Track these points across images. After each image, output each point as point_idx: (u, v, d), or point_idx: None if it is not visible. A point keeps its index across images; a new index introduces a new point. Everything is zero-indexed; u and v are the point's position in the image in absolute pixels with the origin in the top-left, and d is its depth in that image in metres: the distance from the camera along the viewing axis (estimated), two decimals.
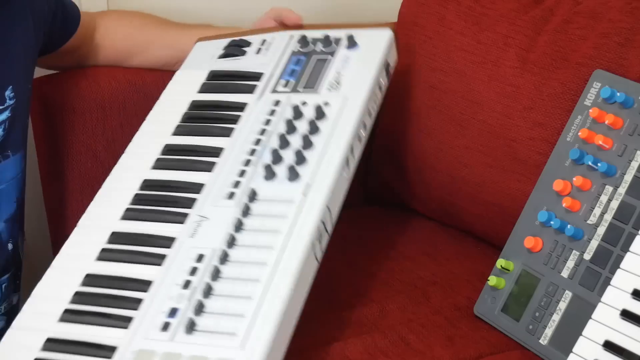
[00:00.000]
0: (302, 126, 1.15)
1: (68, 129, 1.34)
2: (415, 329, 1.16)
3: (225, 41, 1.34)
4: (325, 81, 1.21)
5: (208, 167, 1.15)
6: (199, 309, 0.99)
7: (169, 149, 1.19)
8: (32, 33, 1.20)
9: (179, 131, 1.21)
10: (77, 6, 1.33)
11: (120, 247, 1.09)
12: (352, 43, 1.25)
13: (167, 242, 1.08)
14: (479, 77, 1.30)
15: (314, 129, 1.14)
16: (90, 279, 1.06)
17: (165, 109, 1.25)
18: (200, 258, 1.04)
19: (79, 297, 1.05)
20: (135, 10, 1.46)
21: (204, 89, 1.26)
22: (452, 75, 1.33)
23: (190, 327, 0.98)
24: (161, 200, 1.13)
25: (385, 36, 1.25)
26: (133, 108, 1.37)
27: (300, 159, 1.11)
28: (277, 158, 1.12)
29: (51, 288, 1.07)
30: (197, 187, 1.13)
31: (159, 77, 1.39)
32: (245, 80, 1.25)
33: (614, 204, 1.11)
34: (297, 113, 1.16)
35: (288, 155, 1.12)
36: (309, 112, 1.16)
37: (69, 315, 1.03)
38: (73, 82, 1.36)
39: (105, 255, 1.09)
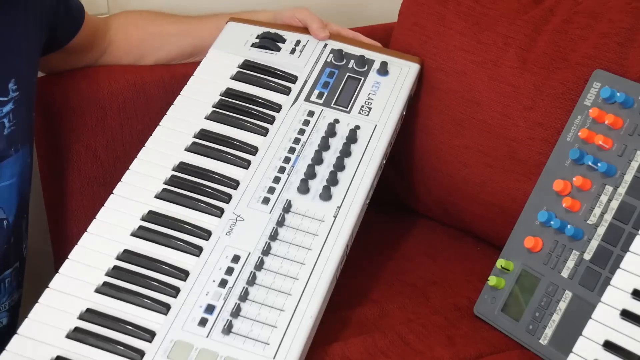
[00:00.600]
0: (335, 145, 1.22)
1: (68, 128, 1.34)
2: (415, 329, 1.16)
3: (259, 29, 1.36)
4: (357, 103, 1.27)
5: (243, 164, 1.19)
6: (236, 312, 1.04)
7: (204, 134, 1.22)
8: (35, 27, 1.20)
9: (214, 117, 1.24)
10: (82, 5, 1.33)
11: (158, 228, 1.12)
12: (384, 70, 1.31)
13: (204, 233, 1.12)
14: (479, 77, 1.30)
15: (346, 151, 1.21)
16: (129, 255, 1.09)
17: (200, 88, 1.28)
18: (236, 259, 1.09)
19: (117, 271, 1.08)
20: (140, 9, 1.47)
21: (238, 77, 1.30)
22: (452, 75, 1.33)
23: (228, 328, 1.02)
24: (198, 187, 1.16)
25: (413, 70, 1.33)
26: (133, 108, 1.37)
27: (333, 180, 1.17)
28: (311, 174, 1.18)
29: (88, 255, 1.09)
30: (233, 183, 1.17)
31: (159, 77, 1.39)
32: (280, 79, 1.29)
33: (614, 204, 1.11)
34: (331, 131, 1.23)
35: (321, 173, 1.18)
36: (341, 132, 1.23)
37: (107, 289, 1.06)
38: (73, 82, 1.36)
39: (142, 233, 1.12)
